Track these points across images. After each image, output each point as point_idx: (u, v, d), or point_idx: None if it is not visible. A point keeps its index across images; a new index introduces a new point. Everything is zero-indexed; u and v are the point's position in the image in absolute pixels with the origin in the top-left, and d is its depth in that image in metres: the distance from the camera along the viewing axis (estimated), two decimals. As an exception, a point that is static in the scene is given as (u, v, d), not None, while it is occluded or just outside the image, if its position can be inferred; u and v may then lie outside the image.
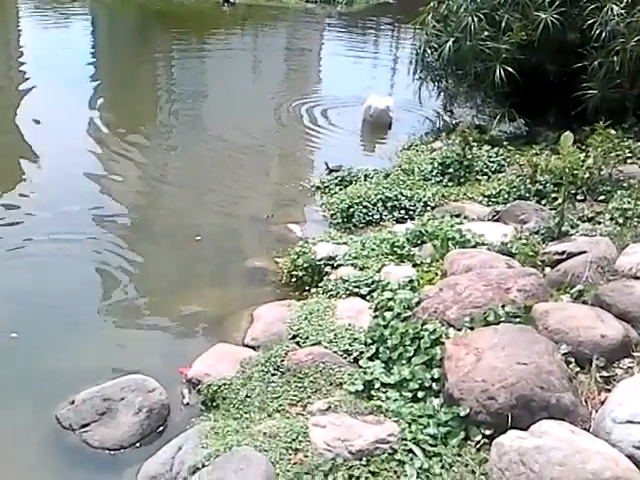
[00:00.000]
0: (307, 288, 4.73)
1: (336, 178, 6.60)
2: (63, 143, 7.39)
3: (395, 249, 4.85)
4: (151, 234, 5.70)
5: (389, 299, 4.11)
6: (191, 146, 7.93)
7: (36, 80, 9.73)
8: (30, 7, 15.78)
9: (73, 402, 3.52)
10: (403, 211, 5.79)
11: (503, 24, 7.18)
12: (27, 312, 4.43)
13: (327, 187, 6.52)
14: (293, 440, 3.10)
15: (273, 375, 3.66)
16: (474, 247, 4.69)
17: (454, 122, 8.07)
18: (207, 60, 12.08)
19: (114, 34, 14.45)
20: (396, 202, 5.84)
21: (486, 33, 7.25)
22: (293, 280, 4.86)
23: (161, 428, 3.50)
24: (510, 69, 7.08)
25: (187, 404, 3.66)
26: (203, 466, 2.97)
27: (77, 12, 15.72)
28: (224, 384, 3.61)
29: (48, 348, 4.06)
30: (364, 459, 2.96)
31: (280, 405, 3.43)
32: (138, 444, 3.38)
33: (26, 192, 6.24)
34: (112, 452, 3.33)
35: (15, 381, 3.77)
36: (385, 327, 3.81)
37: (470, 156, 6.51)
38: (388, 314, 3.94)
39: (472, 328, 3.60)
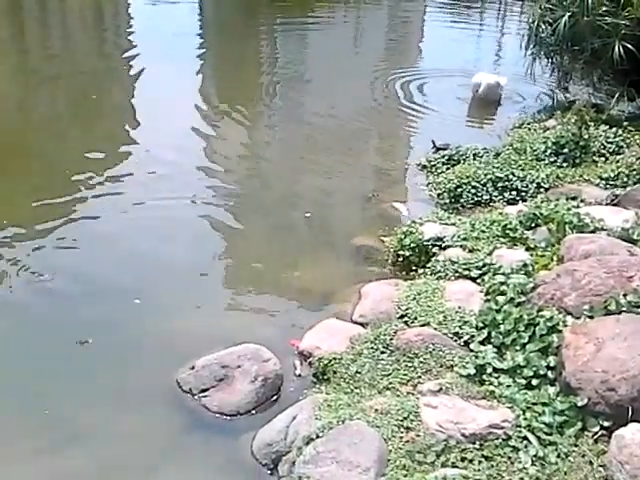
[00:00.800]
0: (414, 268, 4.73)
1: (443, 157, 6.47)
2: (169, 116, 7.62)
3: (507, 232, 4.75)
4: (259, 209, 5.83)
5: (502, 283, 4.05)
6: (293, 123, 8.02)
7: (143, 53, 10.08)
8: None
9: (193, 367, 3.71)
10: (514, 192, 5.64)
11: (622, -1, 6.82)
12: (146, 278, 4.69)
13: (434, 166, 6.41)
14: (404, 418, 3.15)
15: (382, 353, 3.71)
16: (593, 232, 4.54)
17: (569, 100, 7.70)
18: (309, 34, 12.11)
19: (221, 8, 14.70)
20: (507, 183, 5.70)
21: (604, 8, 6.91)
22: (399, 260, 4.86)
23: (275, 397, 3.63)
24: (629, 46, 6.73)
25: (299, 375, 3.77)
26: (317, 437, 3.07)
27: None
28: (335, 358, 3.69)
29: (167, 314, 4.28)
30: (477, 443, 2.98)
31: (390, 383, 3.49)
32: (253, 411, 3.53)
33: (136, 159, 6.55)
34: (229, 417, 3.49)
35: (139, 345, 4.01)
36: (497, 312, 3.77)
37: (587, 136, 6.23)
38: (501, 298, 3.89)
39: (591, 317, 3.51)
